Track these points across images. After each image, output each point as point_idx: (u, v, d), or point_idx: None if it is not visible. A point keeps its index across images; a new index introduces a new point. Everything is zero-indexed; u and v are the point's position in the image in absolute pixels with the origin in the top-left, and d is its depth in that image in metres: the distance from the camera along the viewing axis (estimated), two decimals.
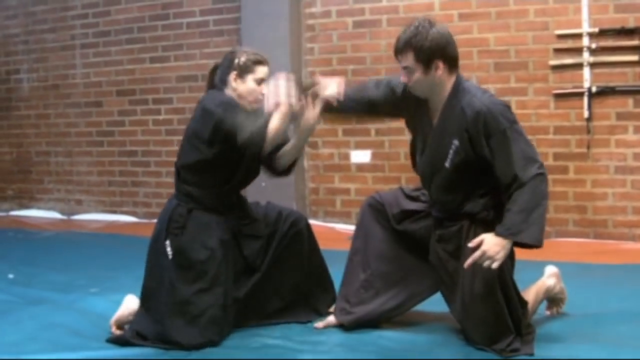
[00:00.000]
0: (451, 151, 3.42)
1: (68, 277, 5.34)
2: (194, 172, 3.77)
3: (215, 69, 3.88)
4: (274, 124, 3.52)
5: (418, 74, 3.40)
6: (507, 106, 3.44)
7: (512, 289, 3.56)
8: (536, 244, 3.30)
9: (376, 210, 3.87)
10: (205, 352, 3.55)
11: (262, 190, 5.28)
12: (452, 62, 3.43)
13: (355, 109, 3.78)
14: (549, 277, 3.98)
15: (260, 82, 3.72)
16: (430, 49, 3.36)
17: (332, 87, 3.62)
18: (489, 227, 3.41)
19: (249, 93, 3.71)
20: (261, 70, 3.74)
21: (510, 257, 3.59)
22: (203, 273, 3.66)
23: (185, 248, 3.70)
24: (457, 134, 3.39)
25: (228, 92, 3.75)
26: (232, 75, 3.73)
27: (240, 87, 3.72)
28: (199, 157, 3.71)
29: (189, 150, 3.78)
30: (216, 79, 3.84)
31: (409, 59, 3.39)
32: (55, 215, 8.55)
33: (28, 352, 3.66)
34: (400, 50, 3.43)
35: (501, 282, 3.48)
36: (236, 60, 3.72)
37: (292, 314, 3.98)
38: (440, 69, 3.38)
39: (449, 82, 3.44)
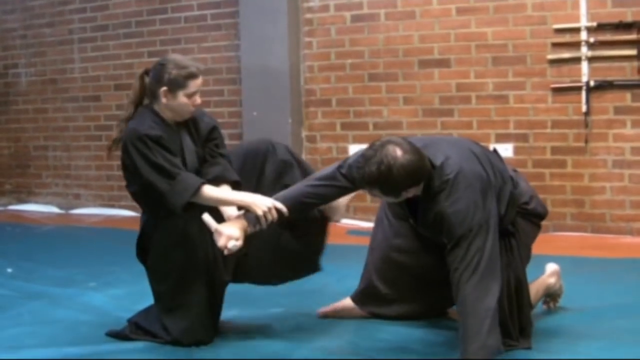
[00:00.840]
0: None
1: (67, 271, 5.33)
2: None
3: (145, 73, 3.65)
4: (217, 196, 3.47)
5: (388, 198, 3.30)
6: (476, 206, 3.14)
7: (526, 289, 3.53)
8: None
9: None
10: (204, 350, 3.55)
11: None
12: (419, 182, 3.17)
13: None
14: (550, 276, 3.99)
15: (192, 95, 3.51)
16: (397, 186, 3.10)
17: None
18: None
19: (180, 108, 3.52)
20: (194, 84, 3.49)
21: (526, 255, 3.59)
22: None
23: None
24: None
25: (157, 107, 3.56)
26: (162, 90, 3.47)
27: (171, 102, 3.49)
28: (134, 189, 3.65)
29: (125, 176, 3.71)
30: (146, 90, 3.62)
31: (377, 193, 3.17)
32: (53, 209, 8.55)
33: (27, 346, 3.67)
34: (365, 187, 3.19)
35: (517, 281, 3.45)
36: (166, 75, 3.46)
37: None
38: (410, 191, 3.18)
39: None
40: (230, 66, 7.46)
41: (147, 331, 3.71)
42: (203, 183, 3.43)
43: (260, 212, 3.32)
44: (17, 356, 3.52)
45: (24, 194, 8.83)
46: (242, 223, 3.35)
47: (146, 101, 3.64)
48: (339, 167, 3.40)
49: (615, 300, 4.29)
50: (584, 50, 6.13)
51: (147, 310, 3.84)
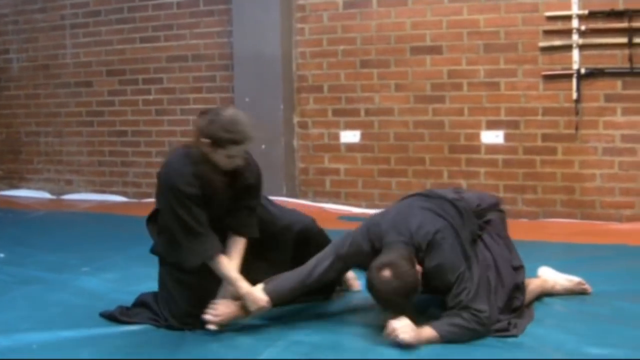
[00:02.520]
0: None
1: (60, 256, 5.35)
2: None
3: (203, 113, 3.65)
4: (223, 271, 3.61)
5: None
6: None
7: (522, 273, 3.80)
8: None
9: None
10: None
11: None
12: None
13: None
14: (546, 281, 4.12)
15: (232, 157, 3.54)
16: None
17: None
18: None
19: (218, 162, 3.55)
20: (235, 149, 3.51)
21: (507, 243, 3.87)
22: None
23: None
24: None
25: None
26: (205, 141, 3.50)
27: (211, 154, 3.52)
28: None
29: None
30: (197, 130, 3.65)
31: None
32: (45, 195, 8.55)
33: (21, 330, 3.70)
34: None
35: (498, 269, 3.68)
36: (212, 130, 3.48)
37: None
38: None
39: None
40: (223, 52, 7.46)
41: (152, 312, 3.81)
42: (219, 252, 3.58)
43: (251, 309, 3.57)
44: (12, 340, 3.55)
45: (16, 179, 8.83)
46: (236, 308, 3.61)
47: None
48: (337, 253, 3.61)
49: (605, 285, 4.32)
50: (575, 38, 6.16)
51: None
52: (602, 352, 3.24)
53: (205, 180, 3.53)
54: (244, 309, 3.58)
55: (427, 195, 3.76)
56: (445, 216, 3.55)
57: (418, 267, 3.33)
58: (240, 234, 3.72)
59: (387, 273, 3.25)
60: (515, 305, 3.62)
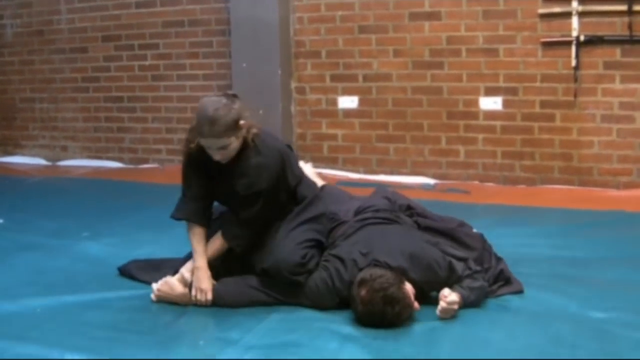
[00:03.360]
0: None
1: (59, 222, 5.35)
2: None
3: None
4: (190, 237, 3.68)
5: None
6: None
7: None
8: None
9: None
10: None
11: None
12: None
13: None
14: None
15: (208, 148, 3.49)
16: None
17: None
18: None
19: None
20: (205, 142, 3.47)
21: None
22: None
23: None
24: None
25: None
26: None
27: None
28: None
29: None
30: None
31: None
32: (41, 161, 8.51)
33: (25, 295, 3.71)
34: None
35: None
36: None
37: None
38: None
39: None
40: (220, 17, 7.40)
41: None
42: (193, 220, 3.65)
43: (194, 286, 3.58)
44: (17, 305, 3.57)
45: (11, 146, 8.78)
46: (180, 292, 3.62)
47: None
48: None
49: (604, 251, 4.38)
50: (575, 5, 6.12)
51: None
52: (605, 316, 3.28)
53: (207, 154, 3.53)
54: (186, 295, 3.59)
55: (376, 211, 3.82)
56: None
57: (409, 287, 3.30)
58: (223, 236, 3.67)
59: (363, 292, 3.21)
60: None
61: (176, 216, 3.71)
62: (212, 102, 3.43)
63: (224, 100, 3.43)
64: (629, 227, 4.97)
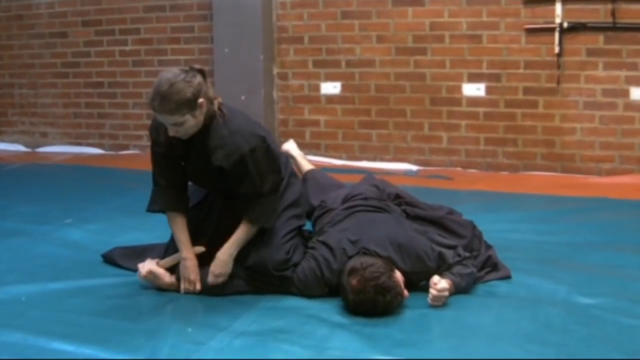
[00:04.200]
0: None
1: (40, 208, 5.30)
2: None
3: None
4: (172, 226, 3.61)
5: None
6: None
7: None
8: None
9: None
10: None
11: None
12: None
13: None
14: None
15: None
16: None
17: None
18: None
19: None
20: (156, 115, 3.34)
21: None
22: None
23: None
24: None
25: None
26: None
27: None
28: None
29: None
30: None
31: None
32: (20, 148, 8.41)
33: (8, 282, 3.66)
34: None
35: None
36: None
37: None
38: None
39: None
40: (202, 2, 7.33)
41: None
42: (169, 209, 3.57)
43: (181, 275, 3.53)
44: (1, 293, 3.52)
45: None
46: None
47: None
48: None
49: (589, 237, 4.39)
50: None
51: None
52: (593, 302, 3.29)
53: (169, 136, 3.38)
54: (173, 285, 3.56)
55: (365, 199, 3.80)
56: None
57: (399, 275, 3.28)
58: (244, 219, 3.49)
59: (354, 281, 3.18)
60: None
61: (152, 209, 3.61)
62: (169, 76, 3.23)
63: (182, 75, 3.23)
64: (613, 213, 5.01)
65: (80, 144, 8.17)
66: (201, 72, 3.34)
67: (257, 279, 3.50)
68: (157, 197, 3.59)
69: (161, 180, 3.57)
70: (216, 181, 3.51)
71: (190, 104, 3.21)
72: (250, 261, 3.48)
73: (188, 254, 3.52)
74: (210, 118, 3.37)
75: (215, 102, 3.41)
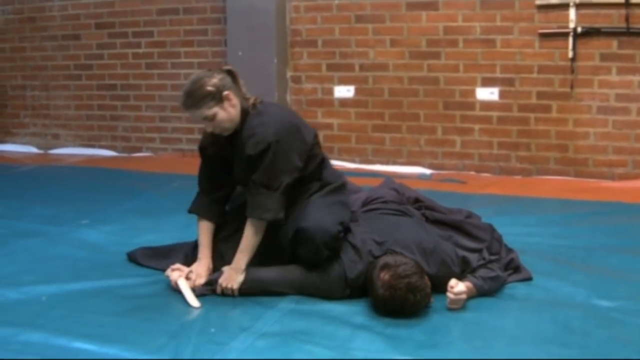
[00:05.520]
0: None
1: (55, 209, 5.30)
2: None
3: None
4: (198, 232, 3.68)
5: None
6: None
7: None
8: None
9: None
10: None
11: None
12: None
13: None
14: None
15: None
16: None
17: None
18: None
19: None
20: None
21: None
22: None
23: None
24: None
25: None
26: None
27: None
28: None
29: None
30: None
31: None
32: (32, 149, 8.44)
33: (27, 283, 3.66)
34: None
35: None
36: None
37: None
38: None
39: None
40: (215, 5, 7.36)
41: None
42: (200, 213, 3.68)
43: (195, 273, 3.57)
44: (20, 293, 3.52)
45: (1, 134, 8.70)
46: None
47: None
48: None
49: (605, 240, 4.40)
50: None
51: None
52: (613, 305, 3.29)
53: (216, 137, 3.53)
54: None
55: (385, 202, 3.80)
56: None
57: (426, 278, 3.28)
58: (247, 216, 3.48)
59: (386, 276, 3.16)
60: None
61: (189, 209, 3.75)
62: (193, 76, 3.45)
63: (204, 73, 3.43)
64: (628, 217, 5.01)
65: (92, 146, 8.20)
66: (230, 72, 3.48)
67: (282, 276, 3.46)
68: (195, 199, 3.74)
69: (200, 185, 3.73)
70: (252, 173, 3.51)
71: (214, 96, 3.35)
72: (303, 223, 3.39)
73: (204, 256, 3.60)
74: (245, 115, 3.45)
75: (251, 100, 3.49)
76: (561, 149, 6.36)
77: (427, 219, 3.76)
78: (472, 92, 6.56)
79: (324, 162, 3.67)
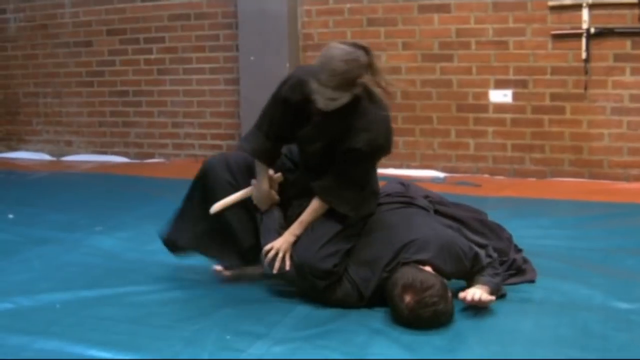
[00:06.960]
0: None
1: (69, 216, 5.32)
2: None
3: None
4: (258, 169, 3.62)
5: None
6: None
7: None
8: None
9: None
10: None
11: None
12: None
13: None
14: None
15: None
16: None
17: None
18: None
19: None
20: (311, 84, 3.25)
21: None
22: None
23: None
24: None
25: None
26: None
27: None
28: None
29: None
30: None
31: None
32: (45, 156, 8.46)
33: (42, 290, 3.67)
34: None
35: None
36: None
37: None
38: None
39: None
40: (227, 10, 7.36)
41: None
42: (257, 154, 3.57)
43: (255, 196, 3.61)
44: (34, 301, 3.54)
45: (14, 141, 8.74)
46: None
47: None
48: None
49: (621, 242, 4.36)
50: None
51: None
52: (632, 307, 3.26)
53: (310, 101, 3.30)
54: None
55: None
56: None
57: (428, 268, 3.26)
58: (315, 193, 3.46)
59: (411, 302, 3.09)
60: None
61: (244, 147, 3.60)
62: (343, 52, 3.14)
63: (355, 53, 3.17)
64: None
65: (105, 153, 8.20)
66: (366, 49, 3.25)
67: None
68: (254, 139, 3.57)
69: (266, 128, 3.52)
70: (324, 155, 3.43)
71: (353, 83, 3.18)
72: (295, 257, 3.40)
73: (264, 185, 3.58)
74: (356, 96, 3.27)
75: (366, 88, 3.32)
76: (575, 150, 6.32)
77: (436, 212, 3.72)
78: (485, 95, 6.53)
79: None
